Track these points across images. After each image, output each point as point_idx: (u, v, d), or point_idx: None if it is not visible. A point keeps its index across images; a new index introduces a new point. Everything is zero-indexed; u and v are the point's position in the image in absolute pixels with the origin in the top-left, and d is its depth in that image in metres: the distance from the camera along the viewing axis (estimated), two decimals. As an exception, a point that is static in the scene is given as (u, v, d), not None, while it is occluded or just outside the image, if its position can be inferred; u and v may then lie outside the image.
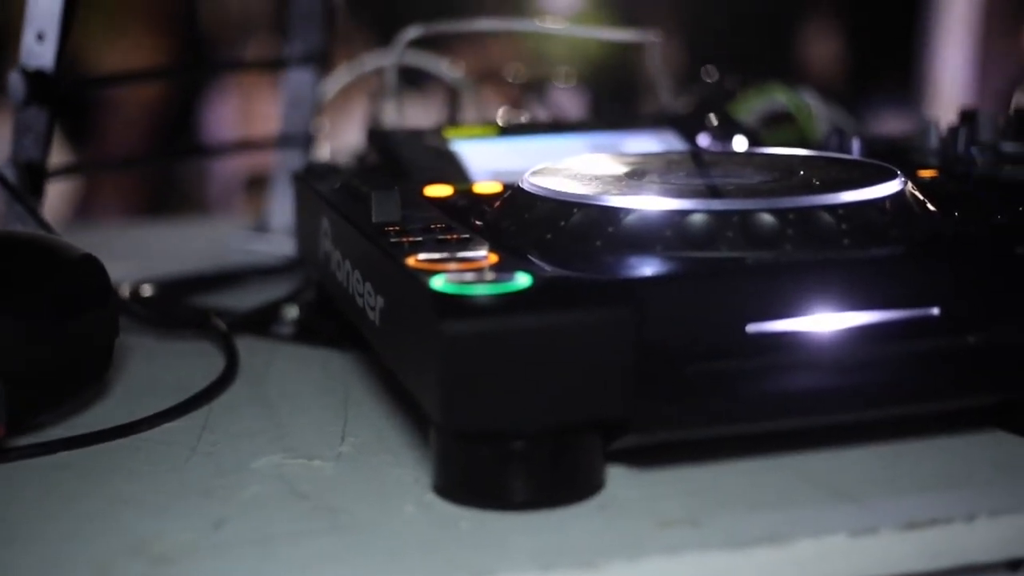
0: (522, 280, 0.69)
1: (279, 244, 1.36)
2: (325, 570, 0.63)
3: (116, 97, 3.60)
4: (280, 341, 1.03)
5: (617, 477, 0.73)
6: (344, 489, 0.73)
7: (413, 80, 1.57)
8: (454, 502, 0.70)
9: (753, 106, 1.35)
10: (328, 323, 1.02)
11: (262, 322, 1.05)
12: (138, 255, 1.39)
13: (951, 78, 4.16)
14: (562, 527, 0.67)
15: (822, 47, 4.44)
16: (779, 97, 1.35)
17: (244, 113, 3.39)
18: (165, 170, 3.57)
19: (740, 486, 0.72)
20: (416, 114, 1.63)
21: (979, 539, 0.68)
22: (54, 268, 0.83)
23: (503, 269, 0.71)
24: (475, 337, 0.65)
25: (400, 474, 0.75)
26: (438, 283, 0.68)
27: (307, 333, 1.03)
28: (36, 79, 1.04)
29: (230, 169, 3.05)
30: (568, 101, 1.62)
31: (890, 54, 4.36)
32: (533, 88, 1.61)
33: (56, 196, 3.39)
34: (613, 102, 1.64)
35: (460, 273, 0.70)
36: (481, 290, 0.68)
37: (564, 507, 0.69)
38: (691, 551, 0.65)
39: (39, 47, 1.04)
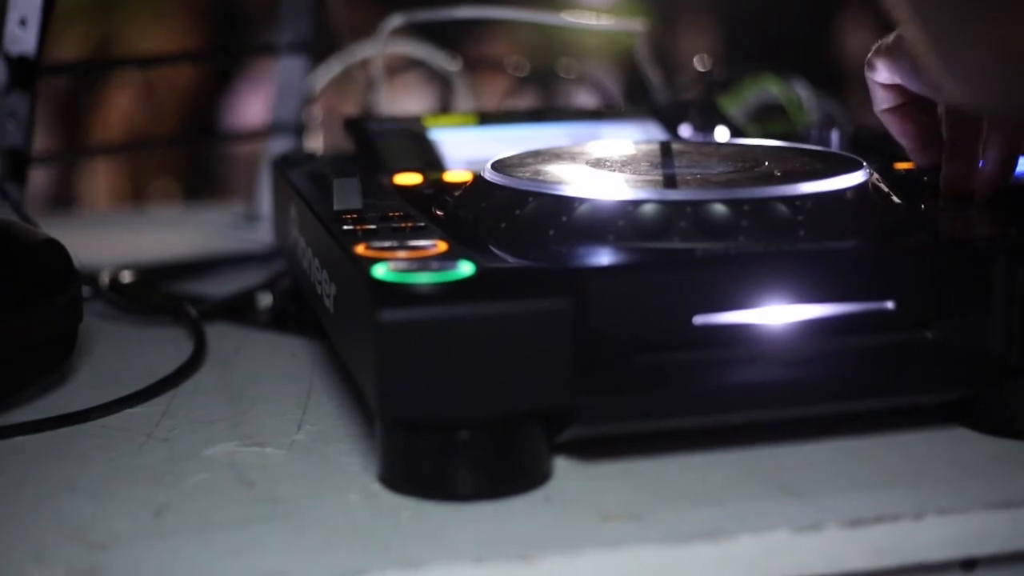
0: (464, 269, 0.68)
1: (264, 232, 1.36)
2: (260, 557, 0.63)
3: (147, 81, 3.62)
4: (253, 328, 1.03)
5: (563, 469, 0.72)
6: (292, 477, 0.73)
7: (422, 72, 1.57)
8: (399, 492, 0.70)
9: (746, 97, 1.34)
10: (301, 311, 1.01)
11: (236, 309, 1.05)
12: (135, 241, 1.39)
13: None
14: (504, 518, 0.67)
15: (856, 39, 4.42)
16: (771, 88, 1.34)
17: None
18: (199, 156, 3.59)
19: (685, 481, 0.71)
20: (417, 103, 1.63)
21: (928, 538, 0.67)
22: (13, 253, 0.83)
23: (449, 258, 0.70)
24: (412, 325, 0.64)
25: (350, 463, 0.74)
26: (380, 271, 0.68)
27: (280, 321, 1.03)
28: (18, 64, 1.04)
29: (255, 157, 3.05)
30: (571, 92, 1.61)
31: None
32: (537, 79, 1.61)
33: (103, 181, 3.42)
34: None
35: (404, 262, 0.69)
36: (422, 279, 0.67)
37: (507, 498, 0.69)
38: (630, 546, 0.64)
39: (22, 32, 1.04)
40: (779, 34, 3.84)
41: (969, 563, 0.70)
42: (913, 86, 0.85)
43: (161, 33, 3.72)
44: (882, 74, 0.87)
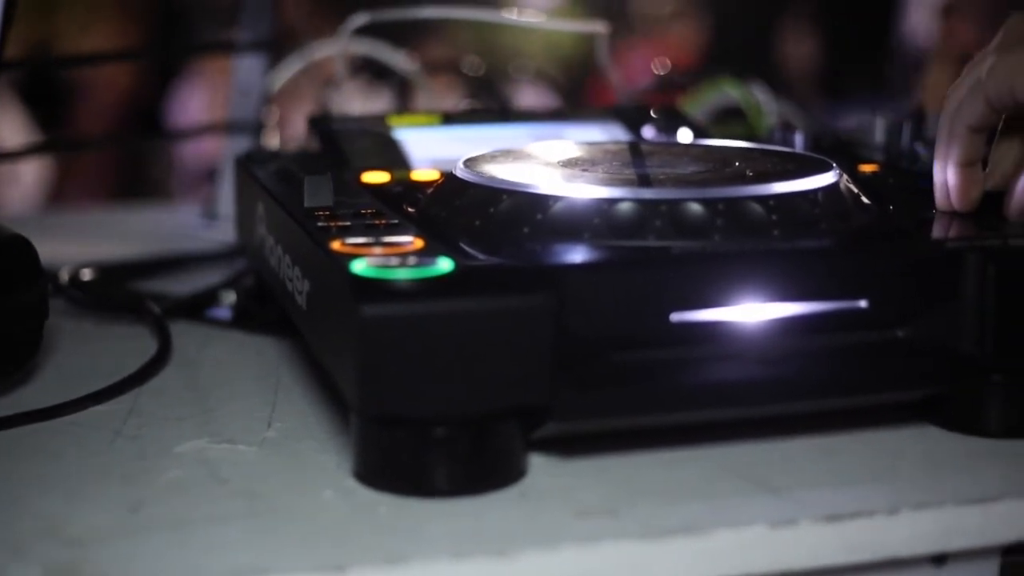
0: (444, 266, 0.68)
1: (226, 231, 1.35)
2: (238, 554, 0.63)
3: (87, 83, 3.60)
4: (216, 327, 1.02)
5: (539, 466, 0.72)
6: (265, 474, 0.73)
7: (374, 71, 1.57)
8: (374, 488, 0.69)
9: (704, 100, 1.35)
10: (265, 309, 1.01)
11: (199, 307, 1.04)
12: (93, 239, 1.38)
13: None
14: (481, 515, 0.67)
15: (803, 46, 4.45)
16: (730, 91, 1.34)
17: (215, 100, 3.38)
18: (135, 157, 3.57)
19: (661, 477, 0.71)
20: (376, 104, 1.63)
21: (902, 533, 0.68)
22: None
23: (427, 255, 0.70)
24: (392, 321, 0.64)
25: (323, 460, 0.74)
26: (359, 267, 0.68)
27: (244, 319, 1.02)
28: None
29: (198, 157, 3.04)
30: (525, 93, 1.61)
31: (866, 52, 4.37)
32: (490, 80, 1.61)
33: (31, 181, 3.39)
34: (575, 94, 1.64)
35: (383, 257, 0.69)
36: (401, 275, 0.67)
37: (484, 495, 0.69)
38: (607, 541, 0.64)
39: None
40: (724, 39, 3.86)
41: (940, 558, 0.71)
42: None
43: (100, 34, 3.70)
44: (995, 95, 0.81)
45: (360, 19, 1.27)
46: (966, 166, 0.83)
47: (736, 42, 3.93)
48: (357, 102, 1.38)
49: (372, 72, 1.59)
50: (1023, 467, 0.73)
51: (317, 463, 0.74)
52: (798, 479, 0.71)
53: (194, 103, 3.47)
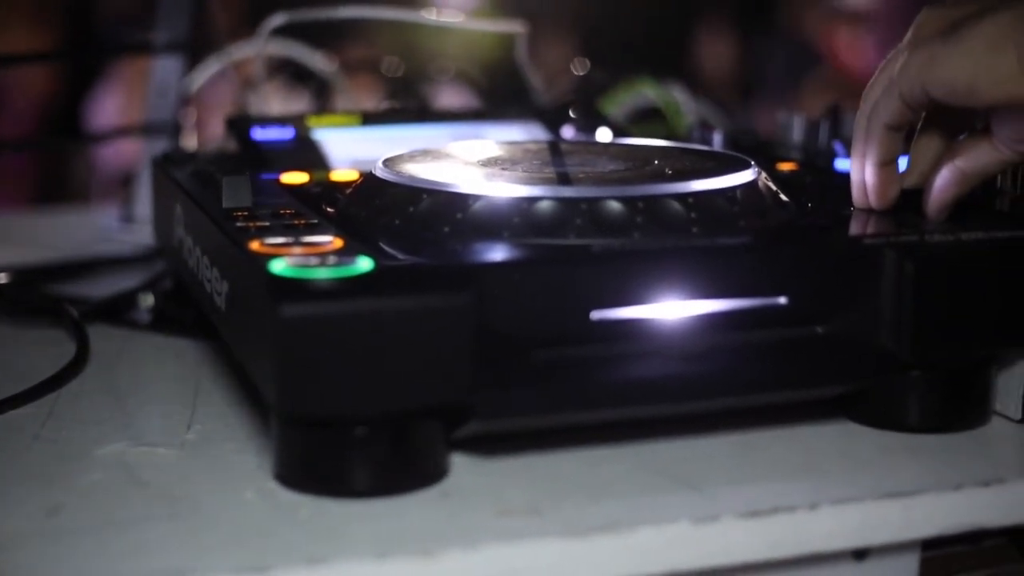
0: (363, 265, 0.68)
1: (143, 233, 1.34)
2: (159, 557, 0.62)
3: (2, 86, 3.56)
4: (135, 330, 1.01)
5: (461, 465, 0.72)
6: (186, 476, 0.72)
7: (293, 72, 1.56)
8: (295, 489, 0.69)
9: (622, 100, 1.35)
10: (184, 312, 1.00)
11: (117, 310, 1.03)
12: (9, 243, 1.37)
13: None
14: (403, 515, 0.67)
15: (720, 47, 4.47)
16: (648, 92, 1.35)
17: (133, 102, 3.35)
18: (55, 161, 3.53)
19: (583, 475, 0.71)
20: (295, 105, 1.62)
21: (823, 528, 0.68)
22: None
23: (346, 254, 0.70)
24: (312, 321, 0.64)
25: (243, 461, 0.74)
26: (278, 266, 0.68)
27: (163, 322, 1.02)
28: None
29: (117, 160, 3.01)
30: (445, 94, 1.61)
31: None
32: (410, 80, 1.60)
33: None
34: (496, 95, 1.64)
35: (302, 257, 0.69)
36: (320, 274, 0.67)
37: (406, 495, 0.69)
38: (530, 539, 0.64)
39: None
40: (640, 39, 3.87)
41: (861, 552, 0.71)
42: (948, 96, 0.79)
43: (14, 37, 3.66)
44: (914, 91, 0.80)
45: (278, 19, 1.26)
46: (884, 165, 0.83)
47: (654, 43, 3.94)
48: (276, 103, 1.37)
49: (291, 73, 1.58)
50: (942, 461, 0.74)
51: (238, 465, 0.73)
52: (719, 476, 0.72)
53: (112, 106, 3.44)
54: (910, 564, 0.74)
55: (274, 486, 0.70)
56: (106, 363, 0.93)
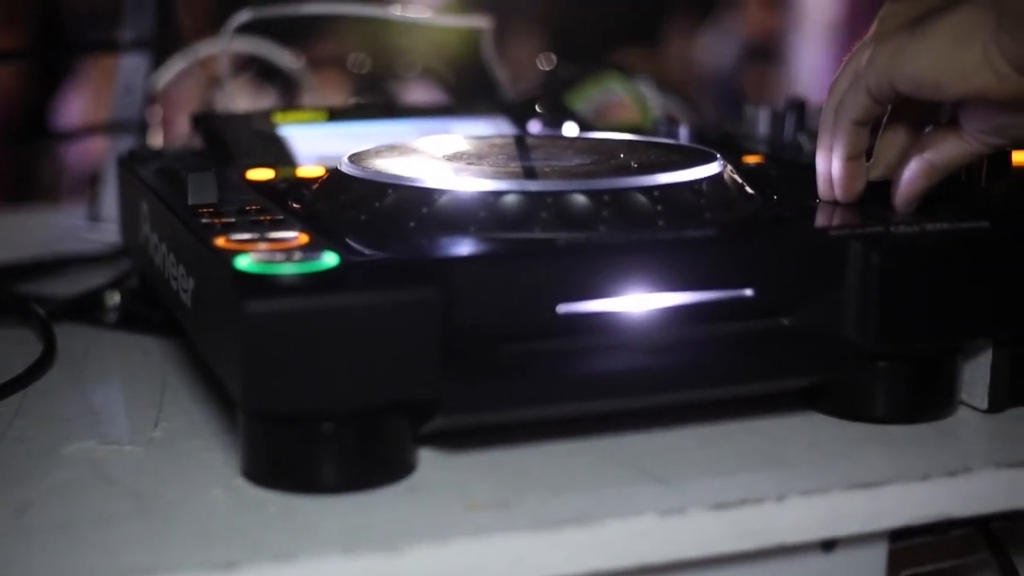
0: (329, 260, 0.68)
1: (110, 232, 1.34)
2: (126, 554, 0.62)
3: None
4: (102, 328, 1.01)
5: (428, 460, 0.72)
6: (153, 474, 0.72)
7: (260, 69, 1.56)
8: (262, 486, 0.69)
9: (590, 95, 1.35)
10: (150, 310, 1.00)
11: (84, 309, 1.03)
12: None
13: (811, 79, 4.23)
14: (370, 510, 0.66)
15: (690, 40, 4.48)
16: (615, 87, 1.35)
17: (100, 100, 3.34)
18: (23, 161, 3.52)
19: (550, 468, 0.72)
20: (262, 102, 1.62)
21: (790, 519, 0.68)
22: None
23: (312, 250, 0.70)
24: (277, 316, 0.64)
25: (210, 459, 0.74)
26: (243, 262, 0.67)
27: (129, 320, 1.01)
28: None
29: (84, 158, 3.01)
30: (412, 89, 1.61)
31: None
32: (376, 77, 1.60)
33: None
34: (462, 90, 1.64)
35: (267, 253, 0.69)
36: (286, 270, 0.67)
37: (373, 490, 0.68)
38: (497, 533, 0.64)
39: None
40: (606, 34, 3.88)
41: (829, 544, 0.72)
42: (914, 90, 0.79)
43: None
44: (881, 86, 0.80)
45: (244, 16, 1.26)
46: (850, 159, 0.83)
47: (622, 37, 3.95)
48: (243, 100, 1.37)
49: (257, 70, 1.58)
50: (909, 452, 0.74)
51: (205, 462, 0.73)
52: (686, 468, 0.72)
53: (79, 104, 3.43)
54: (878, 555, 0.74)
55: (241, 483, 0.70)
56: (73, 361, 0.93)
